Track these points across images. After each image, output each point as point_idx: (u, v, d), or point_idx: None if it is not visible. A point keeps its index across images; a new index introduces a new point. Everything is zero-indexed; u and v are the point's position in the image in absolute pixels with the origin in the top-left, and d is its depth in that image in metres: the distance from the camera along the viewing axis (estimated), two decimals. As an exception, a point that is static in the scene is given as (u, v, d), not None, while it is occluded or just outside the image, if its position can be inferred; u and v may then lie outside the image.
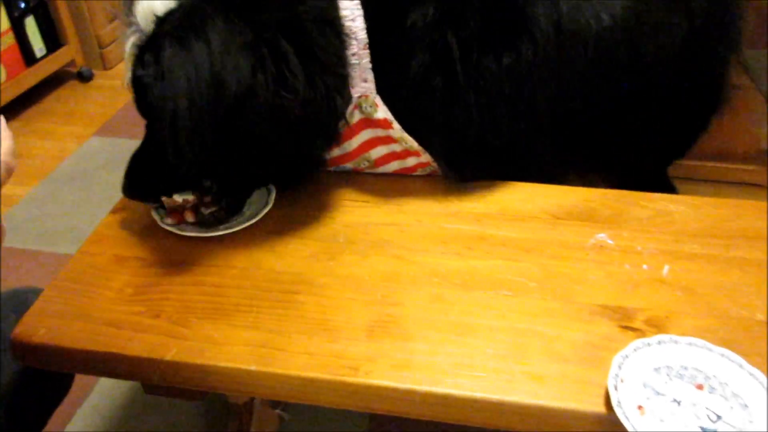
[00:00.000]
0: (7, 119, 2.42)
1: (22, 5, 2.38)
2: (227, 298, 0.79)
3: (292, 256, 0.85)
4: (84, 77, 2.63)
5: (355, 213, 0.92)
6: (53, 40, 2.53)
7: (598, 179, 1.13)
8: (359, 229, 0.89)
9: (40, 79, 2.45)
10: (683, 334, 0.70)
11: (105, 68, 2.72)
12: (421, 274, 0.81)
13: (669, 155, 1.24)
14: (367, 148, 0.95)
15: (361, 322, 0.75)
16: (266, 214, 0.91)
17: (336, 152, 0.95)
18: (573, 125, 0.99)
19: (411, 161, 0.96)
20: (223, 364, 0.71)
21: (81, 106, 2.45)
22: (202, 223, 0.91)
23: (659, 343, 0.68)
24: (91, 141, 2.20)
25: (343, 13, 0.84)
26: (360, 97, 0.88)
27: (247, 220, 0.89)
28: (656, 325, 0.73)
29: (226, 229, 0.88)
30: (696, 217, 0.89)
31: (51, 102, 2.47)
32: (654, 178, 1.28)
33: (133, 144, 0.91)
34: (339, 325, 0.75)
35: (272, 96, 0.77)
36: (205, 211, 0.92)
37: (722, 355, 0.67)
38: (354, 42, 0.85)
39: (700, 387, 0.65)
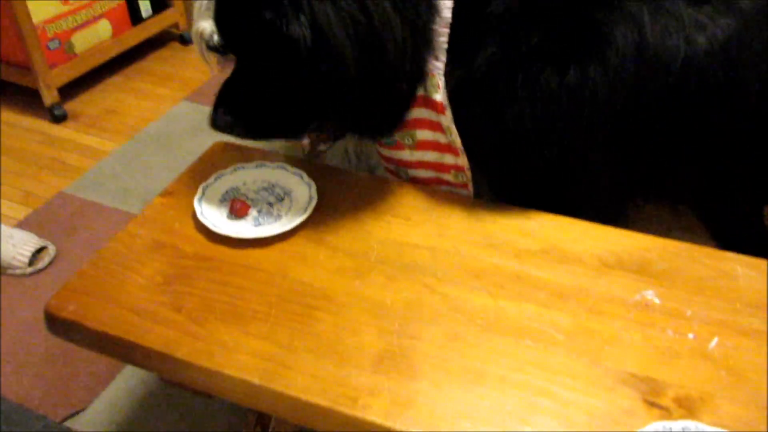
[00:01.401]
0: (109, 75, 2.54)
1: (135, -34, 2.48)
2: (247, 303, 0.79)
3: (320, 267, 0.84)
4: (184, 40, 2.72)
5: (392, 230, 0.90)
6: (159, 1, 2.62)
7: (667, 211, 1.05)
8: (393, 248, 0.87)
9: (143, 39, 2.55)
10: (715, 424, 0.63)
11: (206, 32, 2.80)
12: (445, 309, 0.78)
13: (764, 196, 1.13)
14: (416, 126, 0.92)
15: (373, 350, 0.73)
16: (306, 218, 0.91)
17: None
18: (648, 153, 0.91)
19: (449, 159, 0.92)
20: (228, 372, 0.71)
21: (177, 69, 2.54)
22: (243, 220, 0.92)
23: (683, 430, 0.62)
24: (181, 105, 2.28)
25: None
26: (427, 73, 0.86)
27: (282, 227, 0.88)
28: (687, 407, 0.67)
29: (260, 233, 0.88)
30: (765, 285, 0.80)
31: (151, 62, 2.57)
32: (744, 219, 1.16)
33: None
34: (349, 350, 0.73)
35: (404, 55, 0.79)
36: (323, 147, 0.95)
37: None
38: (437, 17, 0.83)
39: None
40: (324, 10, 0.74)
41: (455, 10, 0.83)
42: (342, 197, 0.95)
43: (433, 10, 0.83)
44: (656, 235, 0.87)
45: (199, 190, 0.94)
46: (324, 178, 0.97)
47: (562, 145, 0.85)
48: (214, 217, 0.91)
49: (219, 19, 0.83)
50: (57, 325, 0.79)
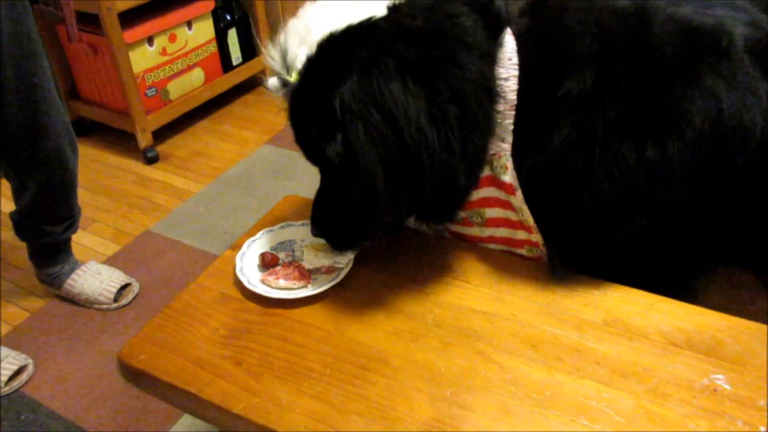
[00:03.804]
0: (200, 118, 2.70)
1: (228, 17, 2.65)
2: (304, 361, 0.81)
3: (376, 328, 0.85)
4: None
5: (451, 293, 0.90)
6: (249, 50, 2.78)
7: (750, 279, 0.99)
8: (450, 312, 0.87)
9: (232, 85, 2.70)
10: None
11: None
12: (499, 380, 0.77)
13: None
14: (484, 205, 0.92)
15: (423, 418, 0.73)
16: (364, 276, 0.92)
17: None
18: (724, 228, 0.87)
19: (521, 235, 0.92)
20: (280, 431, 0.73)
21: (262, 113, 2.66)
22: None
23: None
24: (263, 148, 2.39)
25: (498, 71, 0.83)
26: (493, 154, 0.86)
27: (307, 291, 0.90)
28: None
29: (282, 294, 0.90)
30: None
31: (238, 106, 2.71)
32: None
33: (297, 156, 0.93)
34: (399, 417, 0.74)
35: (447, 166, 0.79)
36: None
37: None
38: (502, 101, 0.84)
39: None
40: (355, 129, 0.75)
41: (521, 92, 0.82)
42: (404, 256, 0.96)
43: (495, 98, 0.82)
44: (728, 312, 0.83)
45: (244, 246, 0.98)
46: (388, 236, 0.99)
47: (639, 222, 0.83)
48: (251, 273, 0.94)
49: (297, 136, 0.87)
50: (128, 372, 0.84)
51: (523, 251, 0.94)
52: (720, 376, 0.75)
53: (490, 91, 0.82)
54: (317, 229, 0.92)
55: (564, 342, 0.81)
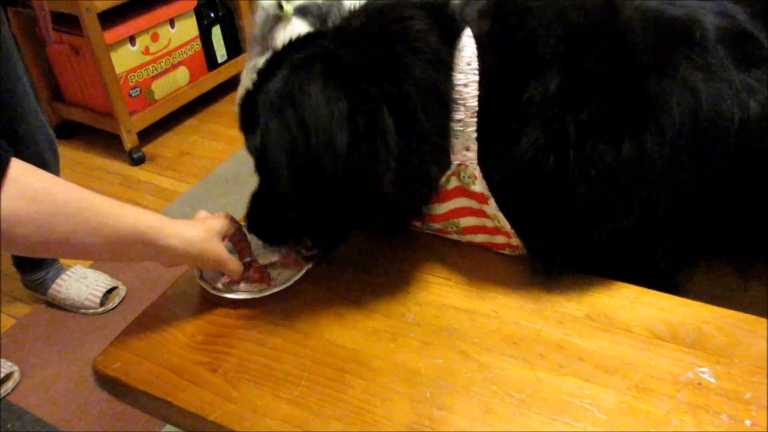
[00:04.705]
0: (185, 118, 2.68)
1: (212, 15, 2.62)
2: (281, 364, 0.80)
3: (355, 328, 0.84)
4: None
5: (432, 291, 0.88)
6: (234, 47, 2.75)
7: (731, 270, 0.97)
8: (431, 310, 0.85)
9: (218, 83, 2.68)
10: None
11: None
12: (480, 378, 0.75)
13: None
14: (458, 215, 0.90)
15: (402, 420, 0.72)
16: (341, 275, 0.91)
17: (425, 210, 0.92)
18: (706, 220, 0.86)
19: (500, 239, 0.90)
20: (256, 438, 0.72)
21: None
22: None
23: None
24: (250, 146, 2.37)
25: (456, 77, 0.80)
26: (459, 165, 0.84)
27: (260, 292, 0.88)
28: (741, 506, 0.61)
29: (262, 291, 0.88)
30: (841, 364, 0.73)
31: (224, 104, 2.69)
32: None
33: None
34: (378, 420, 0.72)
35: (365, 172, 0.77)
36: (306, 253, 0.94)
37: None
38: (462, 108, 0.81)
39: None
40: (269, 124, 0.76)
41: (483, 99, 0.80)
42: (382, 254, 0.95)
43: (451, 105, 0.80)
44: (714, 303, 0.81)
45: None
46: (365, 234, 0.97)
47: (620, 222, 0.81)
48: (211, 276, 0.92)
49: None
50: (103, 381, 0.82)
51: (505, 252, 0.92)
52: (705, 369, 0.74)
53: (441, 98, 0.79)
54: (249, 224, 0.92)
55: (546, 338, 0.80)
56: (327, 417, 0.73)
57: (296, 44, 0.85)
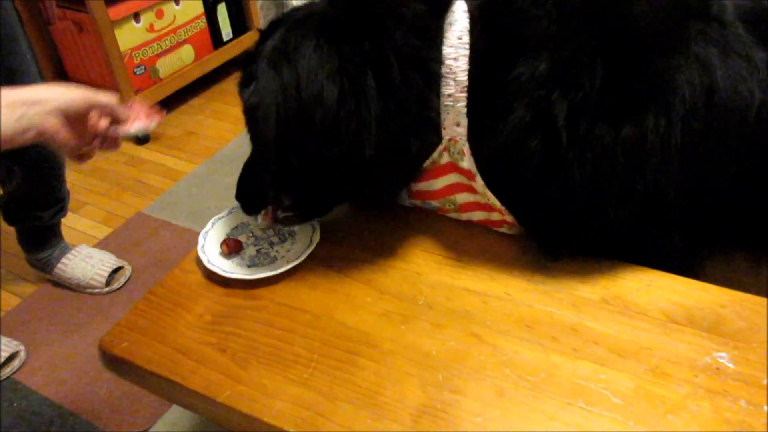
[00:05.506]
0: (191, 97, 2.63)
1: (217, -8, 2.58)
2: (290, 346, 0.78)
3: (366, 310, 0.82)
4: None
5: (442, 272, 0.87)
6: (240, 25, 2.71)
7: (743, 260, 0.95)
8: (442, 292, 0.84)
9: (224, 61, 2.64)
10: None
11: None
12: (493, 362, 0.74)
13: None
14: (453, 191, 0.89)
15: (413, 403, 0.70)
16: (351, 256, 0.89)
17: (422, 187, 0.91)
18: (722, 208, 0.83)
19: (495, 216, 0.88)
20: (266, 419, 0.71)
21: (254, 89, 2.62)
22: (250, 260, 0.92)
23: None
24: (256, 126, 2.35)
25: (446, 51, 0.79)
26: (450, 140, 0.83)
27: (270, 271, 0.87)
28: (760, 493, 0.60)
29: (271, 270, 0.87)
30: None
31: (229, 83, 2.66)
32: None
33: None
34: (389, 402, 0.71)
35: (348, 130, 0.77)
36: (281, 214, 0.94)
37: None
38: (452, 83, 0.79)
39: None
40: (266, 78, 0.77)
41: (473, 74, 0.78)
42: (392, 234, 0.93)
43: (433, 77, 0.79)
44: (732, 287, 0.80)
45: (209, 224, 0.96)
46: (376, 214, 0.96)
47: (620, 206, 0.78)
48: (212, 252, 0.92)
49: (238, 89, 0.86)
50: (110, 361, 0.81)
51: (504, 229, 0.90)
52: (723, 354, 0.72)
53: (422, 67, 0.78)
54: (237, 191, 0.93)
55: (560, 321, 0.78)
56: (337, 399, 0.72)
57: (295, 9, 0.85)
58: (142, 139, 2.27)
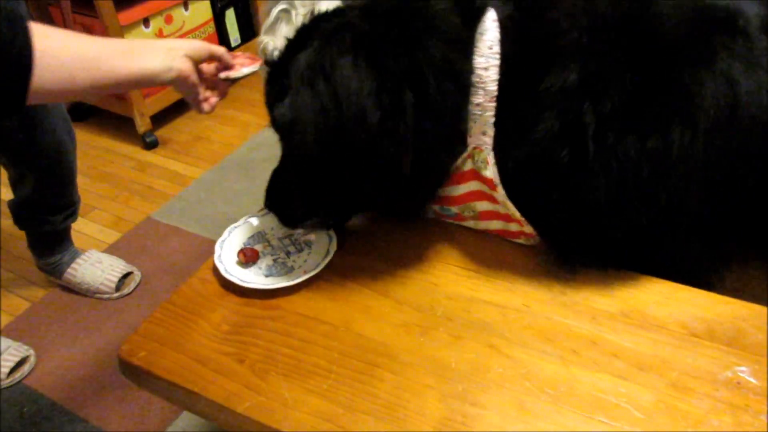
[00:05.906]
0: (198, 103, 2.55)
1: (226, -2, 2.59)
2: (309, 357, 0.78)
3: (384, 321, 0.82)
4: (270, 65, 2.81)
5: (460, 284, 0.87)
6: (248, 30, 2.72)
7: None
8: (460, 304, 0.84)
9: (231, 67, 2.65)
10: None
11: (290, 59, 2.88)
12: (513, 374, 0.74)
13: None
14: (473, 199, 0.89)
15: (433, 416, 0.70)
16: (369, 266, 0.89)
17: (442, 192, 0.91)
18: (741, 219, 0.83)
19: (514, 227, 0.88)
20: (287, 431, 0.70)
21: (263, 96, 2.62)
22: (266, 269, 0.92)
23: None
24: (264, 131, 2.34)
25: (477, 61, 0.79)
26: (475, 148, 0.83)
27: (287, 281, 0.87)
28: None
29: (288, 280, 0.87)
30: None
31: (238, 88, 2.65)
32: None
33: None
34: (408, 415, 0.71)
35: (388, 149, 0.77)
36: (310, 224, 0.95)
37: None
38: (482, 92, 0.79)
39: None
40: (301, 93, 0.77)
41: (503, 84, 0.78)
42: (409, 245, 0.93)
43: (468, 89, 0.79)
44: (750, 300, 0.80)
45: (225, 233, 0.96)
46: (393, 224, 0.96)
47: (644, 218, 0.78)
48: (229, 261, 0.92)
49: (265, 100, 0.86)
50: (128, 370, 0.81)
51: (521, 241, 0.90)
52: (744, 368, 0.72)
53: (457, 79, 0.78)
54: (267, 201, 0.93)
55: (579, 334, 0.78)
56: (358, 411, 0.72)
57: (325, 17, 0.84)
58: (149, 144, 2.27)
